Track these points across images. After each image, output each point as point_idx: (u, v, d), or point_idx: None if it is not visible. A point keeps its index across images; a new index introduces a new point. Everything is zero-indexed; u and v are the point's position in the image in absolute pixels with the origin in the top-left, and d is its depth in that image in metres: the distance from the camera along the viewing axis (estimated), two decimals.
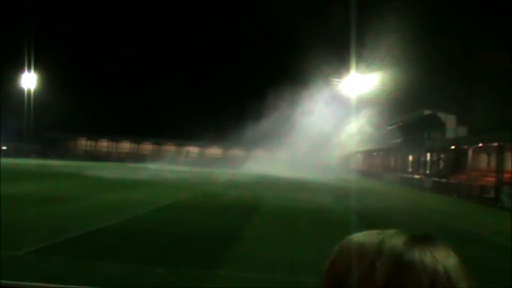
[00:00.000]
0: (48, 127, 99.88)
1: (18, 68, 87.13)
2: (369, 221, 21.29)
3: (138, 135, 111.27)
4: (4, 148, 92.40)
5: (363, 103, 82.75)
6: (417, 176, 58.21)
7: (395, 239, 0.94)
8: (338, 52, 77.34)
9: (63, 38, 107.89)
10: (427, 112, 65.36)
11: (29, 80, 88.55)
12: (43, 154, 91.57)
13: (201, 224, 18.90)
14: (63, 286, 2.38)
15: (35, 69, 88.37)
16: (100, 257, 12.17)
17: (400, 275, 0.86)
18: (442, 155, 58.07)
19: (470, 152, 46.63)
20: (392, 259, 0.89)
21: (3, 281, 2.40)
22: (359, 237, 0.98)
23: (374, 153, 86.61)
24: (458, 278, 0.89)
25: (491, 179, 40.56)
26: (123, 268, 11.06)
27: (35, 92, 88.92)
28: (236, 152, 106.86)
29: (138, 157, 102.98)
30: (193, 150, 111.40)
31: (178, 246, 14.40)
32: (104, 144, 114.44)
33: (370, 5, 69.85)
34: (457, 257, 0.93)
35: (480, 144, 45.36)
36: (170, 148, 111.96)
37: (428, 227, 21.46)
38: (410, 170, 67.45)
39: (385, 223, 20.89)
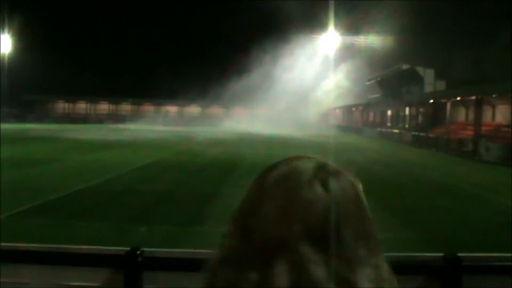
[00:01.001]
0: (25, 90, 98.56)
1: None
2: None
3: (116, 96, 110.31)
4: None
5: (342, 58, 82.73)
6: (396, 131, 58.51)
7: (302, 164, 0.93)
8: (317, 7, 76.83)
9: None
10: (405, 66, 65.50)
11: (3, 42, 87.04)
12: (20, 118, 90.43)
13: (181, 182, 18.96)
14: (37, 245, 2.35)
15: (9, 31, 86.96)
16: (81, 218, 12.20)
17: (296, 200, 0.85)
18: (420, 109, 58.43)
19: (448, 106, 46.94)
20: (293, 183, 0.88)
21: None
22: (274, 165, 0.98)
23: (353, 108, 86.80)
24: (363, 197, 0.91)
25: (469, 132, 40.96)
26: (105, 228, 11.09)
27: (10, 55, 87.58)
28: (216, 110, 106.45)
29: (117, 118, 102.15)
30: (172, 109, 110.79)
31: (159, 204, 14.46)
32: (82, 106, 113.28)
33: None
34: (359, 187, 0.93)
35: (458, 98, 45.64)
36: (148, 108, 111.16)
37: (406, 180, 21.76)
38: (389, 124, 67.84)
39: (365, 176, 21.01)
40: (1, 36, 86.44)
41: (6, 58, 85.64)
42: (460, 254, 2.16)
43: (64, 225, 11.22)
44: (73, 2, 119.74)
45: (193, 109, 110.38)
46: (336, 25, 79.29)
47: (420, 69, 63.08)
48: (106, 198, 15.18)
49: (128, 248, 2.18)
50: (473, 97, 41.76)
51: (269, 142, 45.12)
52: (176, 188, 17.34)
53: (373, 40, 75.63)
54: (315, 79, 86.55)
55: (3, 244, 2.36)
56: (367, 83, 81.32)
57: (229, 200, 15.00)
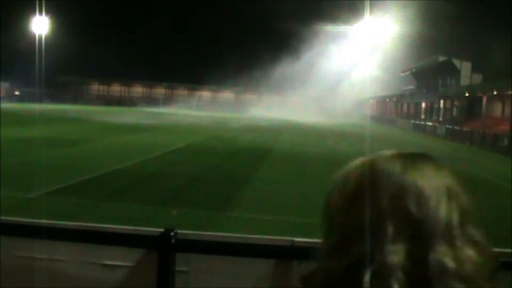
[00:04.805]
0: (60, 71, 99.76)
1: (29, 12, 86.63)
2: None
3: (150, 80, 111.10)
4: (16, 93, 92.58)
5: (377, 48, 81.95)
6: (430, 123, 57.95)
7: (379, 154, 0.97)
8: None
9: None
10: (441, 58, 64.69)
11: (40, 24, 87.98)
12: (55, 99, 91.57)
13: (213, 166, 19.03)
14: (72, 223, 2.40)
15: (46, 13, 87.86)
16: (113, 199, 12.34)
17: (368, 181, 0.90)
18: (455, 102, 57.72)
19: (484, 100, 46.24)
20: (366, 168, 0.94)
21: (13, 218, 2.44)
22: (355, 161, 1.01)
23: (387, 99, 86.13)
24: (432, 196, 0.89)
25: (504, 127, 40.32)
26: (137, 209, 11.21)
27: (47, 36, 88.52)
28: (248, 96, 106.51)
29: (151, 101, 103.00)
30: (205, 94, 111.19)
31: (191, 188, 14.54)
32: (116, 88, 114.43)
33: None
34: (448, 178, 0.94)
35: (495, 92, 44.95)
36: (182, 92, 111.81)
37: None
38: (423, 116, 67.14)
39: None
40: (38, 17, 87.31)
41: (43, 39, 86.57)
42: (496, 250, 2.14)
43: (95, 205, 11.37)
44: None
45: (226, 95, 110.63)
46: (371, 14, 78.54)
47: (457, 62, 62.24)
48: (138, 180, 15.31)
49: (162, 230, 2.21)
50: (510, 92, 41.11)
51: (301, 130, 45.03)
52: (208, 172, 17.43)
53: (409, 30, 74.74)
54: (349, 69, 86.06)
55: (40, 221, 2.41)
56: (402, 74, 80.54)
57: (260, 186, 15.06)
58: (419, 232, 0.85)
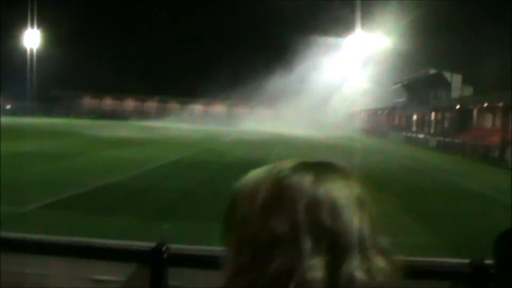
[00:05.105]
0: (52, 85, 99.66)
1: (21, 25, 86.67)
2: (373, 178, 21.35)
3: (143, 93, 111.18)
4: (8, 107, 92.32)
5: (368, 61, 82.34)
6: (421, 135, 58.12)
7: (283, 165, 0.95)
8: (344, 8, 76.63)
9: None
10: (432, 70, 65.03)
11: (32, 37, 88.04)
12: (48, 112, 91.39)
13: (205, 180, 18.99)
14: (64, 238, 2.38)
15: (38, 26, 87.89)
16: (106, 213, 12.29)
17: (277, 197, 0.88)
18: (447, 115, 57.98)
19: (475, 112, 46.50)
20: (273, 182, 0.91)
21: (3, 233, 2.42)
22: (256, 170, 1.00)
23: (379, 112, 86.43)
24: (345, 207, 0.88)
25: (496, 139, 40.49)
26: (129, 223, 11.16)
27: (38, 50, 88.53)
28: (240, 109, 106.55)
29: (143, 115, 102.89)
30: (197, 107, 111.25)
31: (184, 202, 14.50)
32: (108, 102, 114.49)
33: None
34: (357, 188, 0.93)
35: (486, 104, 45.18)
36: (174, 105, 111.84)
37: (431, 185, 21.55)
38: (414, 129, 67.40)
39: (389, 180, 20.97)
40: (30, 30, 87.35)
41: (34, 53, 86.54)
42: (487, 261, 2.14)
43: (87, 219, 11.31)
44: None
45: (219, 108, 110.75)
46: (362, 27, 78.95)
47: (447, 74, 62.60)
48: (130, 193, 15.27)
49: (154, 244, 2.20)
50: (501, 103, 41.34)
51: (294, 142, 45.04)
52: (200, 186, 17.40)
53: (400, 43, 75.14)
54: (341, 81, 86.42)
55: (31, 235, 2.39)
56: (393, 87, 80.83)
57: None
58: (335, 245, 0.85)
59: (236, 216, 0.95)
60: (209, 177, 19.97)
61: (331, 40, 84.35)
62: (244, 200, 0.94)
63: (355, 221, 0.87)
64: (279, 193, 0.88)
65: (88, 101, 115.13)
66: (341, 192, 0.90)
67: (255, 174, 0.98)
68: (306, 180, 0.89)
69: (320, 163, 0.96)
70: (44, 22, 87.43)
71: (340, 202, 0.88)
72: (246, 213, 0.92)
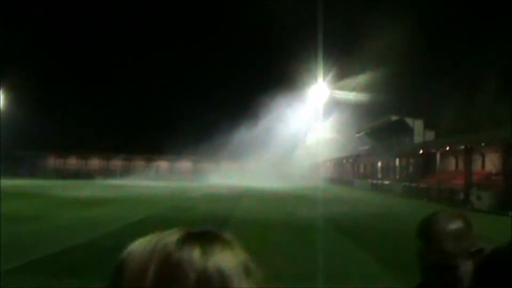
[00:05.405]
0: (16, 145, 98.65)
1: None
2: (340, 227, 21.39)
3: (107, 151, 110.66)
4: None
5: (331, 110, 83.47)
6: (387, 182, 58.60)
7: (169, 238, 0.94)
8: (304, 61, 77.90)
9: (28, 55, 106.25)
10: (394, 117, 66.01)
11: None
12: (12, 173, 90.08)
13: None
14: None
15: (0, 87, 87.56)
16: (72, 275, 12.01)
17: (168, 274, 0.87)
18: (411, 160, 58.68)
19: (438, 156, 47.08)
20: (162, 258, 0.90)
21: None
22: (138, 242, 0.99)
23: (344, 160, 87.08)
24: (234, 277, 0.88)
25: (459, 182, 40.99)
26: (96, 285, 10.92)
27: (1, 110, 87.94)
28: (206, 164, 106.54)
29: (108, 173, 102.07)
30: (163, 164, 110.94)
31: None
32: (73, 161, 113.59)
33: (336, 13, 70.33)
34: (242, 256, 0.93)
35: (448, 147, 45.84)
36: (139, 163, 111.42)
37: (397, 231, 21.62)
38: (379, 176, 67.95)
39: (356, 228, 21.00)
40: None
41: None
42: None
43: (53, 282, 11.04)
44: (62, 60, 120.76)
45: (184, 164, 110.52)
46: (324, 78, 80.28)
47: (409, 120, 63.57)
48: (97, 254, 14.98)
49: None
50: (463, 147, 42.00)
51: (259, 195, 45.01)
52: None
53: (361, 92, 76.44)
54: (304, 133, 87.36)
55: None
56: (357, 135, 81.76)
57: None
58: None
59: None
60: None
61: (294, 92, 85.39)
62: (132, 275, 0.91)
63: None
64: (169, 270, 0.87)
65: (52, 161, 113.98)
66: (229, 262, 0.90)
67: (141, 246, 0.96)
68: (194, 254, 0.88)
69: (205, 233, 0.96)
70: (6, 84, 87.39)
71: (229, 273, 0.88)
72: None
